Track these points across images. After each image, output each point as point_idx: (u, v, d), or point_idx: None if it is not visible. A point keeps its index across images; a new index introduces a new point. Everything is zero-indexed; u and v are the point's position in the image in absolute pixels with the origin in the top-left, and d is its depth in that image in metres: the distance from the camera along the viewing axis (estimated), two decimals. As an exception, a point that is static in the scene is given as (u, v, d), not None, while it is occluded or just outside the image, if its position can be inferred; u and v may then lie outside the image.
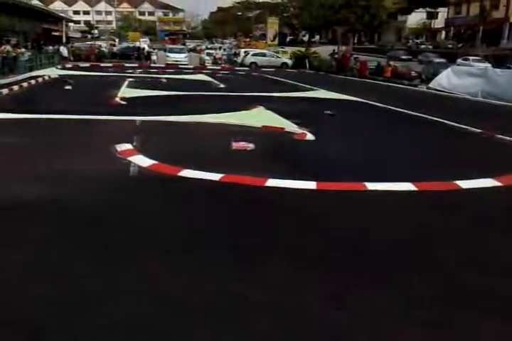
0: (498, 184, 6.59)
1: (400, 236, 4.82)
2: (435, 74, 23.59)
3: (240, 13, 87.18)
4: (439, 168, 7.69)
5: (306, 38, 74.34)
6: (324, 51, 39.25)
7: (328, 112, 12.77)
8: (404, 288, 3.74)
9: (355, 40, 66.63)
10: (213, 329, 3.10)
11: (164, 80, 23.48)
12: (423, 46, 57.98)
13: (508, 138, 10.17)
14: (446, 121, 12.36)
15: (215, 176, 6.50)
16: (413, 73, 27.68)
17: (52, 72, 25.45)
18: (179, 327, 3.13)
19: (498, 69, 21.39)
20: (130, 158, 7.37)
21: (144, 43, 53.75)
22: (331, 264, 4.11)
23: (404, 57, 44.90)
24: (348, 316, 3.29)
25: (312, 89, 20.68)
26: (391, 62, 31.38)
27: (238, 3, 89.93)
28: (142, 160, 7.26)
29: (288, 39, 73.12)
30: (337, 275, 3.91)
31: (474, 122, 11.81)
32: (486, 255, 4.41)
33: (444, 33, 65.33)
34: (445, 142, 10.29)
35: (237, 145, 8.56)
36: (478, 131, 11.09)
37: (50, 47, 33.42)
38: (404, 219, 5.35)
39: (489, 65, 30.76)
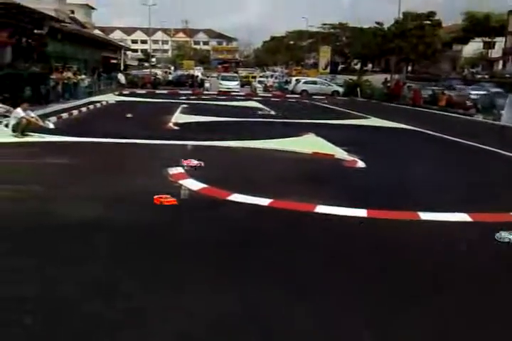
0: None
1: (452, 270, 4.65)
2: (492, 104, 22.97)
3: (292, 42, 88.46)
4: (493, 199, 7.41)
5: (358, 67, 74.44)
6: (376, 79, 38.98)
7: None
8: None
9: (409, 69, 66.09)
10: None
11: (216, 107, 23.93)
12: (479, 76, 56.82)
13: None
14: (498, 151, 11.97)
15: (264, 201, 6.51)
16: (468, 102, 27.06)
17: (110, 98, 26.39)
18: None
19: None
20: (181, 182, 7.50)
21: (197, 71, 55.25)
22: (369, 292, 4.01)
23: (459, 86, 44.04)
24: None
25: (364, 117, 20.51)
26: (446, 91, 30.83)
27: (291, 32, 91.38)
28: (193, 184, 7.38)
29: (340, 67, 73.45)
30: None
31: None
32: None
33: (501, 62, 63.95)
34: (499, 172, 9.93)
35: (186, 162, 8.67)
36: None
37: (104, 75, 34.77)
38: (455, 250, 5.16)
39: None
